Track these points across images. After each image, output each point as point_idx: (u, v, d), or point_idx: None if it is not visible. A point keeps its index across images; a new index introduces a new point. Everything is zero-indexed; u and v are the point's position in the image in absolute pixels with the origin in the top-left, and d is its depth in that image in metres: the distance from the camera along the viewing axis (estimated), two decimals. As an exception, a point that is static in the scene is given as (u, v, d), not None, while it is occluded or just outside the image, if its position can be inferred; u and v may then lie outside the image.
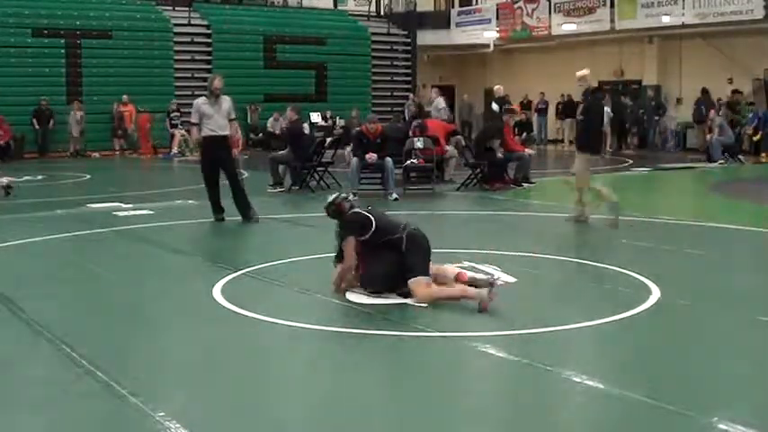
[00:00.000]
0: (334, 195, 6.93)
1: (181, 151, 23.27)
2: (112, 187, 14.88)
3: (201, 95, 10.88)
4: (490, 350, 5.12)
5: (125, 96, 23.15)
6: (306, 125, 15.47)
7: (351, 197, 11.07)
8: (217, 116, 10.41)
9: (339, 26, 28.72)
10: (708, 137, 21.29)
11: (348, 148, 15.22)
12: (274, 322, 5.84)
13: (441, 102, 20.42)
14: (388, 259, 6.47)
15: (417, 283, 6.31)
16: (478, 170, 14.58)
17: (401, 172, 14.07)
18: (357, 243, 6.56)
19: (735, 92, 23.22)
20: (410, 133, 14.68)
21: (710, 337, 5.64)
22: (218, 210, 10.68)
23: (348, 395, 4.55)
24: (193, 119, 10.62)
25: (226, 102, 10.56)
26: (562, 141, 28.17)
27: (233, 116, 10.71)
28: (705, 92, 23.36)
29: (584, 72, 10.66)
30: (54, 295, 6.80)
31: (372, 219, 6.59)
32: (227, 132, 10.54)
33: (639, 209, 11.75)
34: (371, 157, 13.26)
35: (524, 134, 25.77)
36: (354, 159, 13.38)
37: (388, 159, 13.33)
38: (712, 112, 21.38)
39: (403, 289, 6.40)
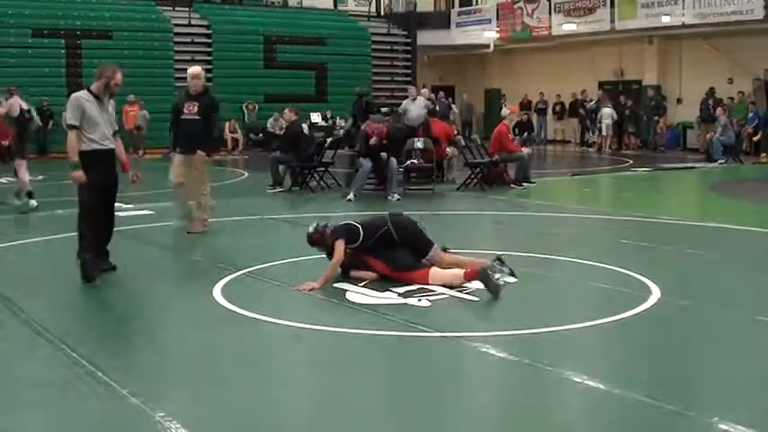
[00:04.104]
0: (313, 225, 7.25)
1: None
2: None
3: (83, 89, 7.42)
4: (490, 350, 5.12)
5: (131, 96, 23.07)
6: (305, 126, 15.46)
7: (351, 197, 11.03)
8: (104, 123, 7.34)
9: (339, 26, 28.72)
10: (708, 135, 21.30)
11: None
12: (274, 322, 5.84)
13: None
14: (396, 248, 6.93)
15: (439, 255, 7.00)
16: (478, 170, 14.59)
17: (401, 172, 14.07)
18: (362, 254, 7.02)
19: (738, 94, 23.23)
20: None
21: (710, 337, 5.64)
22: (98, 259, 7.37)
23: (348, 395, 4.55)
24: (73, 120, 7.21)
25: (112, 106, 7.62)
26: (569, 141, 28.29)
27: (116, 127, 7.68)
28: (712, 91, 23.31)
29: (197, 70, 9.98)
30: (54, 295, 6.80)
31: (357, 224, 7.10)
32: (113, 146, 7.51)
33: (639, 209, 11.75)
34: (381, 156, 13.24)
35: (525, 134, 25.89)
36: (367, 162, 13.29)
37: (393, 160, 13.33)
38: (719, 110, 21.31)
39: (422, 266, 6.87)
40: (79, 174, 7.17)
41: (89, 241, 7.25)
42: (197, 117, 9.69)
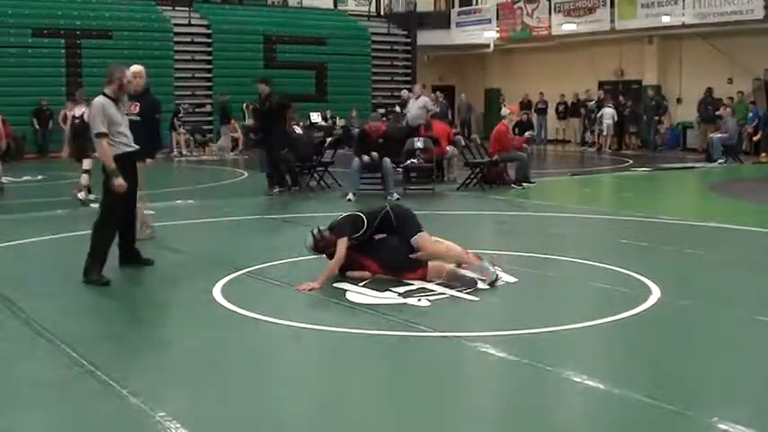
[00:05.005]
0: (310, 238, 7.18)
1: (179, 151, 23.33)
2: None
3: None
4: (490, 350, 5.12)
5: None
6: (296, 127, 15.44)
7: (351, 197, 10.86)
8: (125, 126, 7.49)
9: (339, 26, 28.71)
10: (710, 134, 21.27)
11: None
12: (274, 322, 5.84)
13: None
14: (393, 243, 7.02)
15: (423, 239, 6.97)
16: (478, 170, 14.59)
17: (400, 172, 14.07)
18: (366, 258, 7.03)
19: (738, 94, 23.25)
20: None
21: (710, 337, 5.64)
22: (132, 257, 7.80)
23: (348, 395, 4.55)
24: (102, 127, 7.20)
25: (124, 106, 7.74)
26: (569, 141, 28.30)
27: None
28: (710, 91, 23.29)
29: (138, 68, 9.24)
30: (54, 295, 6.80)
31: (360, 214, 7.18)
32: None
33: (639, 209, 11.75)
34: (371, 155, 13.22)
35: (525, 134, 25.87)
36: (355, 160, 13.34)
37: (386, 159, 13.31)
38: (724, 109, 21.26)
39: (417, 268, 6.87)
40: (121, 182, 7.16)
41: (105, 248, 7.25)
42: (138, 118, 8.92)
